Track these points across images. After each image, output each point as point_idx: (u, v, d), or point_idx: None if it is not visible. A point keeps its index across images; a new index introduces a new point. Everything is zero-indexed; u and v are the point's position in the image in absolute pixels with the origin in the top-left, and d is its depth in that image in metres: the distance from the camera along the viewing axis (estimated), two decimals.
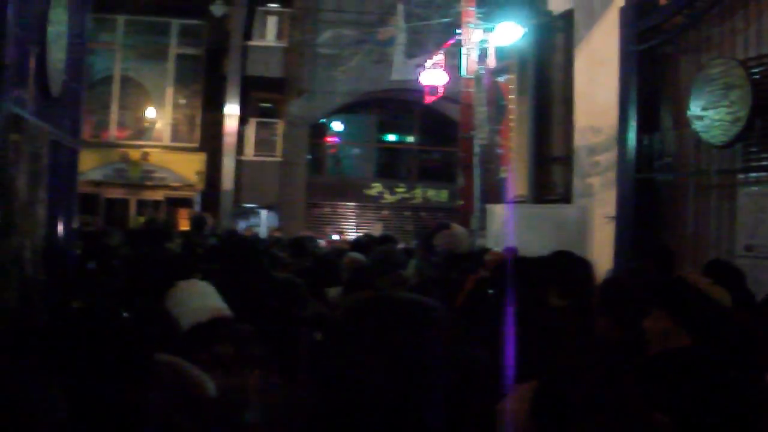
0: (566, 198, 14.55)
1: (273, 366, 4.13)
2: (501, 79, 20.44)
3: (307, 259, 9.77)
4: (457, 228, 11.21)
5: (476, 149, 21.29)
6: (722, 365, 3.65)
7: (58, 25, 6.27)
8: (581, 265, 5.84)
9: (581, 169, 13.92)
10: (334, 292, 7.27)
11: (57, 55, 6.32)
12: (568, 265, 5.73)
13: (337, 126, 32.59)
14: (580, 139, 14.01)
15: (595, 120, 13.29)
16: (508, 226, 14.14)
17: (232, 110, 29.05)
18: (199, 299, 4.54)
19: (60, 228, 6.93)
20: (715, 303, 4.08)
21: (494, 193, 21.04)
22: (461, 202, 21.26)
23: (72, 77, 7.19)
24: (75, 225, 7.55)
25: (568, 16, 14.91)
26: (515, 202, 16.36)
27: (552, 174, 15.41)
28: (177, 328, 4.08)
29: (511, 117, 17.28)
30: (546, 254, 6.12)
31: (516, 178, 16.70)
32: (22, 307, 5.31)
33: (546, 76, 15.66)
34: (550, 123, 15.45)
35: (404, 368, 2.27)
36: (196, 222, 15.20)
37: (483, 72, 21.16)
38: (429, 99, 24.41)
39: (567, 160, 14.70)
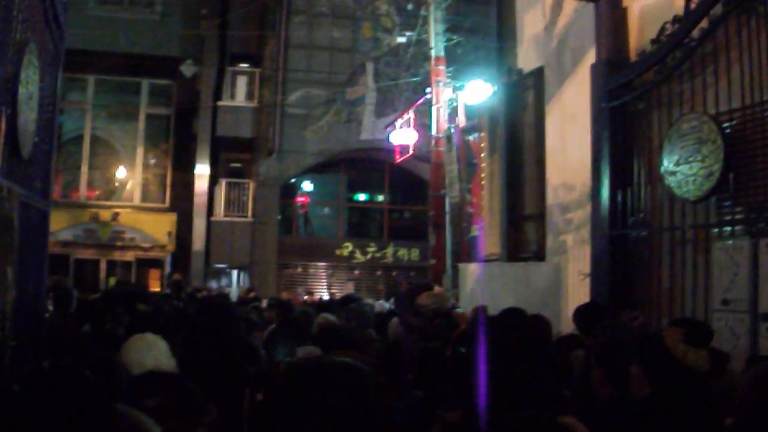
0: (539, 255, 14.51)
1: (218, 423, 4.15)
2: (471, 137, 20.49)
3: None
4: (440, 288, 11.24)
5: (447, 208, 21.34)
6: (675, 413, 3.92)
7: (29, 85, 6.18)
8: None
9: (554, 227, 13.91)
10: (303, 351, 7.46)
11: (28, 115, 6.23)
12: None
13: (307, 186, 32.48)
14: (552, 197, 14.02)
15: (568, 177, 13.31)
16: (481, 285, 14.08)
17: (202, 170, 29.13)
18: (142, 353, 4.84)
19: (30, 290, 6.80)
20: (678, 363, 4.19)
21: (466, 251, 21.02)
22: (433, 261, 21.24)
23: (42, 138, 7.09)
24: (45, 287, 7.40)
25: (538, 74, 14.97)
26: (487, 261, 16.30)
27: (525, 232, 15.37)
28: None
29: (482, 175, 17.25)
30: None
31: (488, 236, 16.64)
32: None
33: (517, 134, 15.68)
34: (522, 181, 15.44)
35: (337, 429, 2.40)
36: (175, 285, 15.15)
37: (453, 130, 21.24)
38: (399, 158, 24.43)
39: (540, 217, 14.68)
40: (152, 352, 4.91)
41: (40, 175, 7.09)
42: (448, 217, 21.32)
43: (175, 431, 3.73)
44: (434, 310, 8.90)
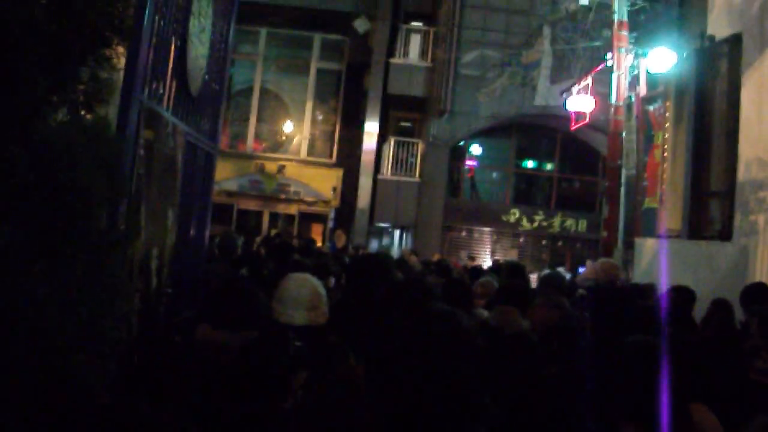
0: (725, 235, 13.58)
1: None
2: (651, 107, 19.61)
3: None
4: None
5: (622, 179, 20.52)
6: None
7: (202, 18, 5.77)
8: None
9: (744, 205, 12.95)
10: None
11: (199, 50, 5.82)
12: None
13: (476, 149, 31.90)
14: (744, 173, 13.06)
15: (763, 152, 12.35)
16: (659, 262, 13.33)
17: (371, 127, 28.82)
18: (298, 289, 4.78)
19: (192, 235, 6.42)
20: None
21: (639, 225, 20.18)
22: (604, 234, 20.44)
23: (213, 77, 6.70)
24: (207, 234, 7.01)
25: (735, 41, 13.95)
26: (666, 237, 15.49)
27: (709, 209, 14.43)
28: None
29: (664, 147, 16.35)
30: None
31: (667, 211, 15.77)
32: (143, 321, 4.80)
33: (706, 104, 14.70)
34: (709, 155, 14.47)
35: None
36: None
37: (633, 99, 20.41)
38: (574, 125, 23.63)
39: (727, 194, 13.73)
40: (305, 288, 4.80)
41: (209, 116, 6.69)
42: (622, 190, 20.51)
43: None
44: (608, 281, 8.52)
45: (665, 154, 16.19)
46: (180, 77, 5.39)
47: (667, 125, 16.30)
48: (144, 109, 4.43)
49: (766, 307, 6.58)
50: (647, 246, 14.52)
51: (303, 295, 4.76)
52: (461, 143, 30.52)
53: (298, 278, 4.94)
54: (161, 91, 4.91)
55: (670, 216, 15.71)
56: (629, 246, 20.44)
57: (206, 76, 6.23)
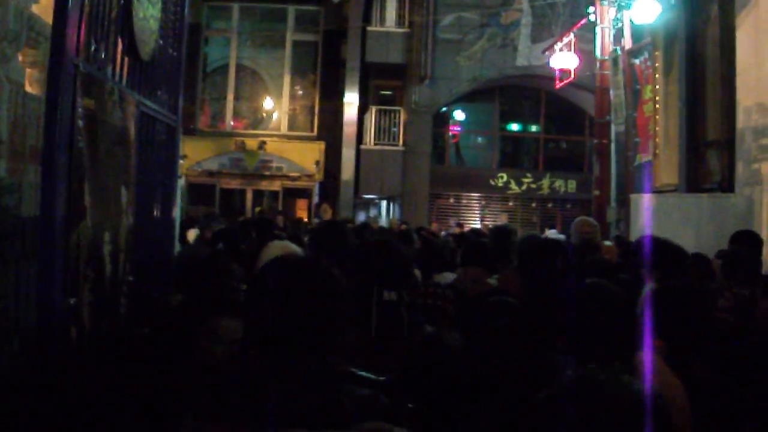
0: (725, 187, 13.07)
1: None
2: (637, 60, 19.14)
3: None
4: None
5: (612, 136, 20.09)
6: None
7: None
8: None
9: (746, 154, 12.39)
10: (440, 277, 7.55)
11: (149, 11, 5.22)
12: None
13: (459, 114, 31.45)
14: (744, 120, 12.49)
15: (764, 96, 11.76)
16: (657, 218, 12.82)
17: (351, 98, 28.30)
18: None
19: (157, 216, 5.84)
20: None
21: (631, 182, 19.75)
22: (597, 192, 19.97)
23: (169, 43, 6.08)
24: (174, 214, 6.41)
25: None
26: (661, 192, 15.02)
27: (707, 160, 13.93)
28: None
29: (656, 98, 15.82)
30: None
31: (662, 165, 15.29)
32: (98, 313, 4.23)
33: (697, 52, 14.17)
34: (704, 103, 13.96)
35: None
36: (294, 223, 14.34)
37: (619, 53, 19.97)
38: (559, 84, 23.20)
39: (727, 143, 13.19)
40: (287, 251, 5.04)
41: (167, 85, 6.07)
42: (612, 146, 20.05)
43: None
44: (585, 239, 8.26)
45: (657, 106, 15.69)
46: (126, 40, 4.78)
47: (657, 76, 15.81)
48: (81, 74, 3.83)
49: (730, 249, 7.20)
50: (643, 202, 13.98)
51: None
52: (444, 109, 30.20)
53: (279, 244, 5.48)
54: (102, 55, 4.30)
55: (665, 170, 15.25)
56: (622, 204, 20.03)
57: (160, 41, 5.62)
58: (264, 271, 2.57)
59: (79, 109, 3.86)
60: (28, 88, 4.74)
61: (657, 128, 15.74)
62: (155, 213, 5.90)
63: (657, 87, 15.70)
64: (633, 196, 15.16)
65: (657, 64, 15.73)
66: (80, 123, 3.87)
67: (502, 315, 4.19)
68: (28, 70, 4.89)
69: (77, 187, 3.84)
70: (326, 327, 2.46)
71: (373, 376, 2.91)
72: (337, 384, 2.42)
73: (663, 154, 15.16)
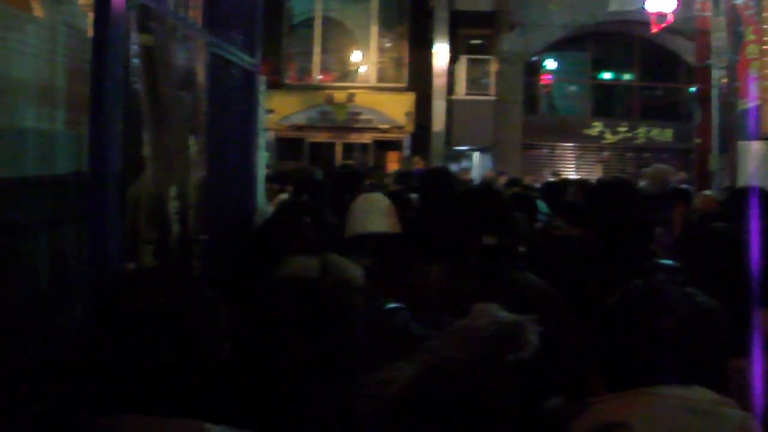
0: None
1: None
2: (739, 1, 18.20)
3: None
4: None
5: (713, 81, 19.28)
6: None
7: None
8: None
9: None
10: None
11: None
12: None
13: (551, 62, 30.72)
14: None
15: None
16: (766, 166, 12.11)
17: (440, 48, 27.64)
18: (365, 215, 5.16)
19: (231, 170, 5.36)
20: None
21: (734, 129, 18.90)
22: (698, 141, 19.21)
23: None
24: (256, 168, 5.90)
25: None
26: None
27: None
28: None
29: (764, 39, 14.95)
30: None
31: None
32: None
33: None
34: None
35: None
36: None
37: None
38: (655, 28, 22.34)
39: None
40: (372, 214, 5.14)
41: (242, 27, 5.57)
42: (715, 92, 19.21)
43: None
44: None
45: (764, 47, 14.76)
46: None
47: (763, 15, 14.88)
48: (135, 6, 3.34)
49: None
50: (753, 149, 13.19)
51: (377, 203, 5.24)
52: (535, 57, 29.43)
53: (370, 194, 5.52)
54: None
55: None
56: (724, 151, 19.23)
57: None
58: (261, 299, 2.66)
59: (134, 46, 3.37)
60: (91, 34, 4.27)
61: (765, 71, 14.89)
62: (232, 165, 5.43)
63: (765, 27, 14.82)
64: (740, 144, 14.43)
65: (764, 2, 14.86)
66: (135, 62, 3.38)
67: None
68: (90, 14, 4.41)
69: (133, 135, 3.36)
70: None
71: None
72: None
73: None
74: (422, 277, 4.57)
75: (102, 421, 2.01)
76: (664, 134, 29.60)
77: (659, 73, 30.75)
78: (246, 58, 5.56)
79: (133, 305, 2.15)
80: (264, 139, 6.53)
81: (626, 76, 31.49)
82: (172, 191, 3.90)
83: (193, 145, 4.22)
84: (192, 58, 4.22)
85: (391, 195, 5.90)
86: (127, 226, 3.36)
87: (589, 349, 2.69)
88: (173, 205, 3.90)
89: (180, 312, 2.15)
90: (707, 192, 10.63)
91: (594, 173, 26.01)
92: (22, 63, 2.95)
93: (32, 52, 3.01)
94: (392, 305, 3.00)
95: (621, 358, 2.37)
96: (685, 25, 22.01)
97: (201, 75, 4.36)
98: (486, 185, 5.83)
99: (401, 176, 12.41)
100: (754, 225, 4.30)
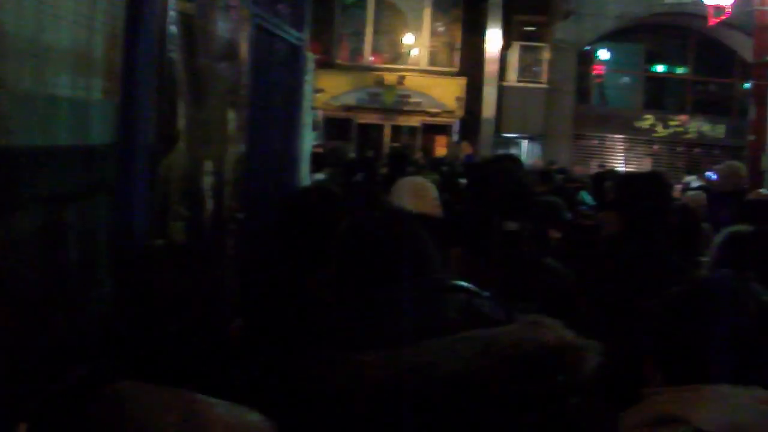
0: None
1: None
2: None
3: None
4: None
5: None
6: None
7: None
8: None
9: None
10: None
11: None
12: None
13: (604, 53, 30.30)
14: None
15: None
16: None
17: (493, 33, 27.22)
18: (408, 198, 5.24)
19: (275, 146, 5.20)
20: None
21: None
22: (751, 137, 18.83)
23: None
24: (300, 146, 5.74)
25: None
26: None
27: None
28: None
29: None
30: None
31: None
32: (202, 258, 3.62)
33: None
34: None
35: None
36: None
37: None
38: (712, 21, 21.94)
39: None
40: (412, 196, 5.26)
41: (288, 1, 5.40)
42: None
43: None
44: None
45: None
46: None
47: None
48: None
49: None
50: None
51: (417, 185, 5.44)
52: (588, 47, 28.93)
53: (411, 178, 5.83)
54: None
55: None
56: None
57: None
58: (351, 228, 2.58)
59: (172, 12, 3.21)
60: None
61: None
62: (276, 142, 5.27)
63: None
64: None
65: None
66: (173, 29, 3.22)
67: None
68: None
69: (167, 105, 3.21)
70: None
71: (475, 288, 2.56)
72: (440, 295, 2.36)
73: None
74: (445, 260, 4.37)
75: (105, 388, 2.07)
76: (715, 130, 29.11)
77: (713, 68, 30.13)
78: (293, 32, 5.40)
79: (141, 282, 2.35)
80: (311, 118, 6.42)
81: (679, 70, 30.97)
82: (208, 166, 3.75)
83: (233, 119, 4.08)
84: (235, 29, 4.06)
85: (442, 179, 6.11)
86: (158, 201, 3.21)
87: (646, 339, 2.52)
88: (208, 181, 3.75)
89: (184, 290, 2.33)
90: (762, 190, 10.34)
91: (643, 166, 25.69)
92: (58, 28, 2.80)
93: (69, 17, 2.86)
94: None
95: (683, 353, 2.29)
96: (743, 19, 21.66)
97: (244, 47, 4.20)
98: (509, 168, 5.57)
99: (434, 163, 12.25)
100: None
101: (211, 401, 2.10)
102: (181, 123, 3.35)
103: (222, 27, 3.85)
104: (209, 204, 3.76)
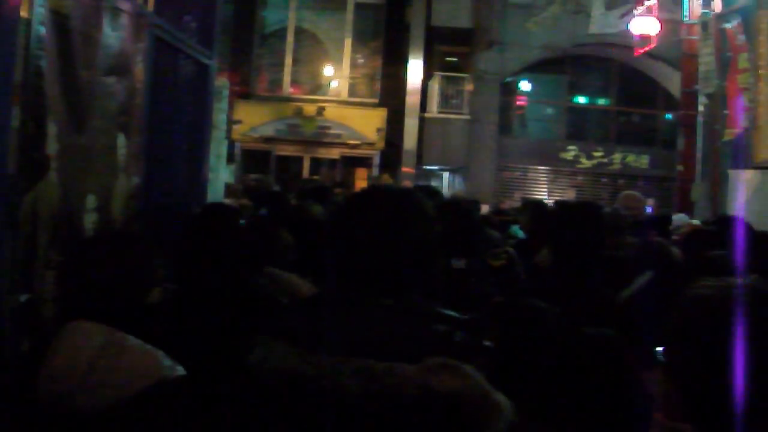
0: None
1: None
2: (728, 25, 17.66)
3: None
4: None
5: (698, 107, 18.84)
6: None
7: None
8: None
9: None
10: None
11: None
12: None
13: (526, 84, 30.17)
14: None
15: None
16: (761, 197, 11.49)
17: (415, 64, 26.91)
18: None
19: (179, 173, 4.55)
20: None
21: (718, 158, 18.38)
22: (681, 168, 18.64)
23: None
24: (204, 176, 5.08)
25: None
26: (760, 168, 13.67)
27: None
28: None
29: (759, 64, 14.36)
30: None
31: (761, 138, 13.85)
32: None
33: None
34: None
35: None
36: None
37: (709, 15, 18.61)
38: (638, 51, 21.98)
39: None
40: None
41: (196, 14, 4.75)
42: (699, 119, 18.69)
43: None
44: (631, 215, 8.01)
45: (761, 72, 14.17)
46: None
47: (761, 38, 14.27)
48: None
49: None
50: (744, 179, 12.60)
51: None
52: (511, 78, 28.73)
53: None
54: None
55: (762, 144, 13.81)
56: (704, 180, 18.72)
57: None
58: (351, 199, 2.57)
59: (40, 9, 2.56)
60: None
61: (760, 97, 14.29)
62: (179, 174, 4.61)
63: (761, 51, 14.24)
64: (731, 172, 13.86)
65: (761, 25, 14.27)
66: (40, 29, 2.57)
67: None
68: None
69: (33, 126, 2.55)
70: (412, 260, 2.39)
71: (456, 314, 2.53)
72: (415, 320, 2.32)
73: (763, 125, 13.72)
74: None
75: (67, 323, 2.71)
76: (640, 160, 29.14)
77: (637, 99, 30.13)
78: (201, 49, 4.75)
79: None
80: (225, 149, 5.81)
81: (603, 101, 30.93)
82: (90, 202, 3.09)
83: (123, 145, 3.41)
84: (127, 38, 3.40)
85: None
86: (21, 246, 2.54)
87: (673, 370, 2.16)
88: (90, 220, 3.09)
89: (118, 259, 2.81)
90: (694, 221, 10.09)
91: (567, 197, 25.50)
92: None
93: None
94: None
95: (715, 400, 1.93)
96: (666, 51, 21.67)
97: (137, 60, 3.54)
98: (455, 204, 5.45)
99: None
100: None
101: (128, 336, 2.72)
102: (53, 147, 2.69)
103: (111, 35, 3.19)
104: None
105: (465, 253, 3.92)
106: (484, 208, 14.78)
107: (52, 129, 2.67)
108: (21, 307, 2.63)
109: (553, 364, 2.74)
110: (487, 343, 2.70)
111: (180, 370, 2.82)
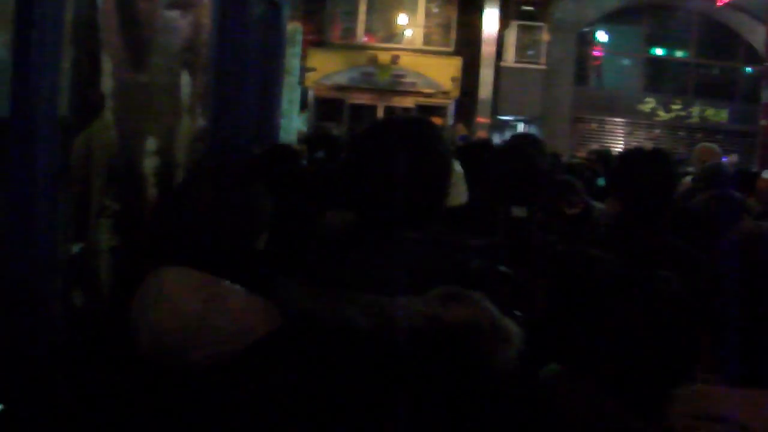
0: None
1: None
2: None
3: None
4: None
5: None
6: None
7: None
8: None
9: None
10: None
11: None
12: None
13: (603, 35, 29.61)
14: None
15: None
16: None
17: (491, 12, 26.53)
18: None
19: (251, 123, 4.35)
20: None
21: None
22: (764, 122, 18.24)
23: None
24: (276, 121, 4.88)
25: None
26: None
27: None
28: None
29: None
30: None
31: None
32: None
33: None
34: None
35: None
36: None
37: None
38: (720, 1, 21.49)
39: None
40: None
41: None
42: None
43: None
44: None
45: None
46: None
47: None
48: None
49: None
50: None
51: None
52: (588, 28, 28.37)
53: None
54: None
55: None
56: None
57: None
58: (367, 131, 2.53)
59: None
60: None
61: None
62: (248, 117, 4.41)
63: None
64: None
65: None
66: None
67: None
68: None
69: (86, 60, 2.34)
70: (429, 192, 2.41)
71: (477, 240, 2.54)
72: (434, 250, 2.31)
73: None
74: None
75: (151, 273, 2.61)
76: (719, 114, 28.77)
77: (717, 51, 29.61)
78: None
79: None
80: (299, 95, 5.61)
81: (682, 53, 30.34)
82: (150, 145, 2.88)
83: (187, 84, 3.20)
84: None
85: None
86: (73, 192, 2.35)
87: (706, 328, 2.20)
88: (150, 164, 2.89)
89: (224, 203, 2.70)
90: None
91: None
92: None
93: None
94: None
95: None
96: (750, 2, 21.10)
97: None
98: (514, 148, 5.39)
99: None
100: None
101: (233, 286, 2.60)
102: (108, 86, 2.49)
103: None
104: (152, 194, 2.89)
105: (527, 201, 3.79)
106: None
107: (107, 65, 2.47)
108: (74, 258, 2.45)
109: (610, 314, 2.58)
110: (503, 268, 2.61)
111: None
